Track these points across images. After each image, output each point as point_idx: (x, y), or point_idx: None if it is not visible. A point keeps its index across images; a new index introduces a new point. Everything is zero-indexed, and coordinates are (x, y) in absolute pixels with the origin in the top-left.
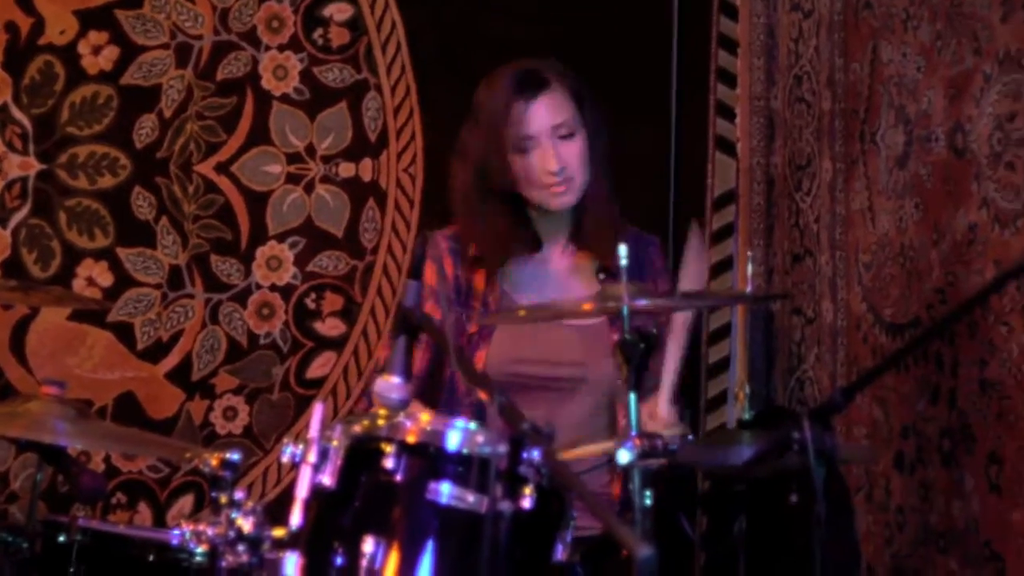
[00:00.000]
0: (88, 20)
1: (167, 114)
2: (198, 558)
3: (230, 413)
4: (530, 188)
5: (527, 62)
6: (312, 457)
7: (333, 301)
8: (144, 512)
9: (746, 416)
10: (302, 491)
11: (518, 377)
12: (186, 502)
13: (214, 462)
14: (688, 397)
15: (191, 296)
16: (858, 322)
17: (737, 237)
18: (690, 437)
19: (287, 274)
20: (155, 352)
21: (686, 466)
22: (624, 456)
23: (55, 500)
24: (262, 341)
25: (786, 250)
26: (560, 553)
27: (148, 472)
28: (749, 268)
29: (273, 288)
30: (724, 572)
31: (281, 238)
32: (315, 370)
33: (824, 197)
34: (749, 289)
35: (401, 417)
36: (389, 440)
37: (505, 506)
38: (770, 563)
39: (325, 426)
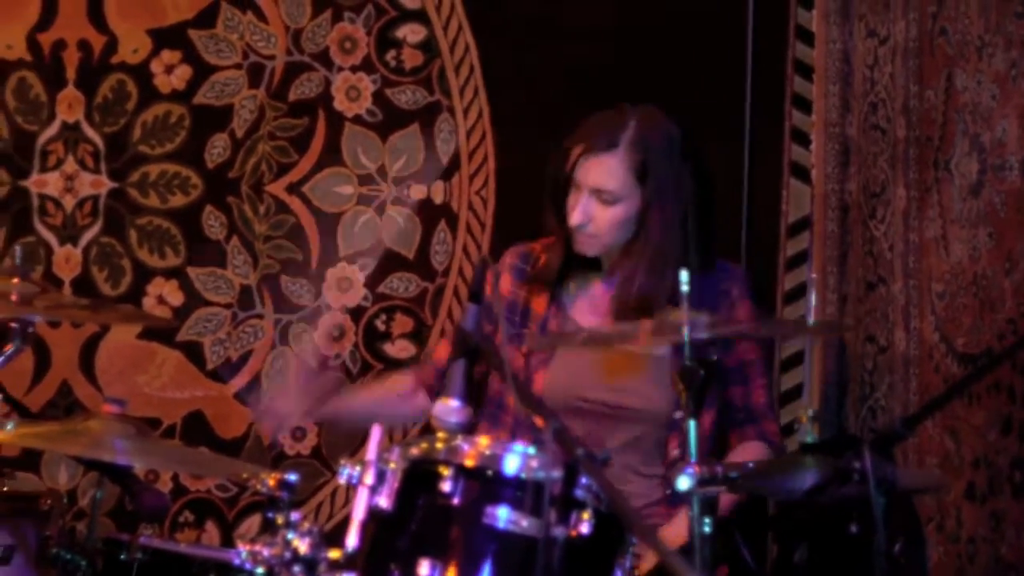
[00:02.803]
0: (161, 39)
1: (239, 134)
2: None
3: (299, 434)
4: (569, 221)
5: (619, 114)
6: (369, 479)
7: (403, 323)
8: (211, 531)
9: (809, 439)
10: (359, 513)
11: (578, 404)
12: (253, 522)
13: (271, 483)
14: None
15: (261, 316)
16: (930, 351)
17: (811, 264)
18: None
19: (358, 295)
20: (225, 371)
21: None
22: (684, 483)
23: (122, 518)
24: (332, 362)
25: (860, 278)
26: None
27: (216, 491)
28: (812, 298)
29: (344, 309)
30: None
31: (352, 259)
32: None
33: (898, 225)
34: (810, 320)
35: (459, 440)
36: (447, 463)
37: (559, 531)
38: None
39: (383, 448)
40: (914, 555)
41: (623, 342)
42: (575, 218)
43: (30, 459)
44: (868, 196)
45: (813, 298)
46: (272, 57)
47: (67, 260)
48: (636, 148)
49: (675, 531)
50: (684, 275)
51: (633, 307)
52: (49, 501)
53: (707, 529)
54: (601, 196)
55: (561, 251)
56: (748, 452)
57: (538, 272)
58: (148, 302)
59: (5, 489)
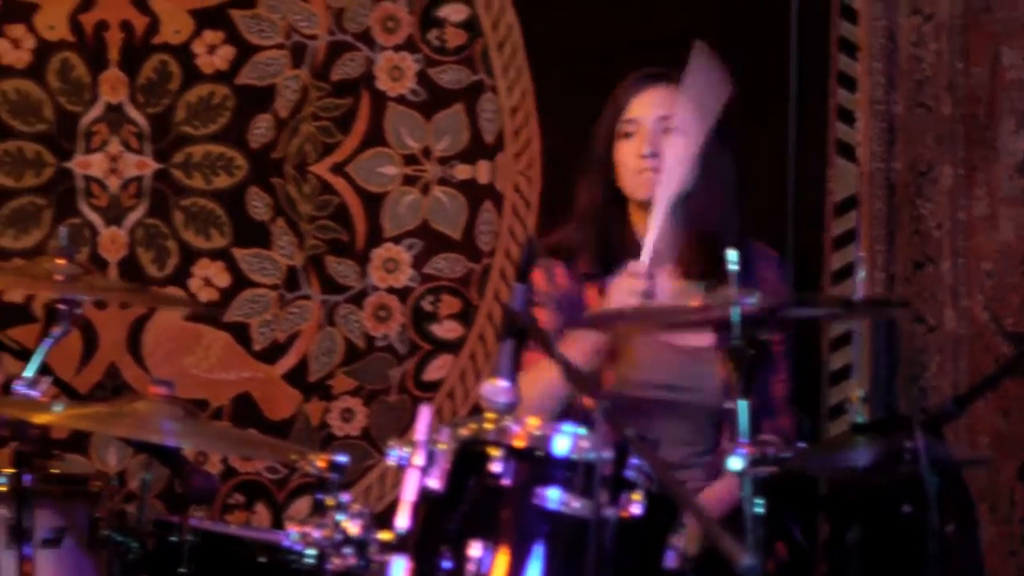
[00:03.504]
0: (203, 19)
1: (282, 114)
2: (308, 560)
3: (347, 415)
4: (624, 175)
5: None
6: (419, 460)
7: (450, 304)
8: (261, 513)
9: (859, 419)
10: (409, 494)
11: (637, 400)
12: (303, 503)
13: (321, 464)
14: (809, 405)
15: (308, 297)
16: (980, 331)
17: (859, 243)
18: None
19: (404, 276)
20: (272, 353)
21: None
22: (735, 463)
23: (172, 500)
24: (379, 343)
25: (907, 257)
26: (671, 560)
27: (266, 473)
28: (860, 274)
29: (390, 290)
30: None
31: (397, 240)
32: (432, 372)
33: (945, 203)
34: (858, 296)
35: (509, 421)
36: (497, 444)
37: (610, 512)
38: (885, 573)
39: (432, 429)
40: (967, 536)
41: (672, 322)
42: (645, 146)
43: (79, 441)
44: (915, 175)
45: (861, 274)
46: (314, 37)
47: (113, 241)
48: (697, 81)
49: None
50: (733, 254)
51: (699, 246)
52: (99, 483)
53: (759, 510)
54: (665, 123)
55: (597, 245)
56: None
57: (583, 267)
58: (194, 283)
59: (55, 471)
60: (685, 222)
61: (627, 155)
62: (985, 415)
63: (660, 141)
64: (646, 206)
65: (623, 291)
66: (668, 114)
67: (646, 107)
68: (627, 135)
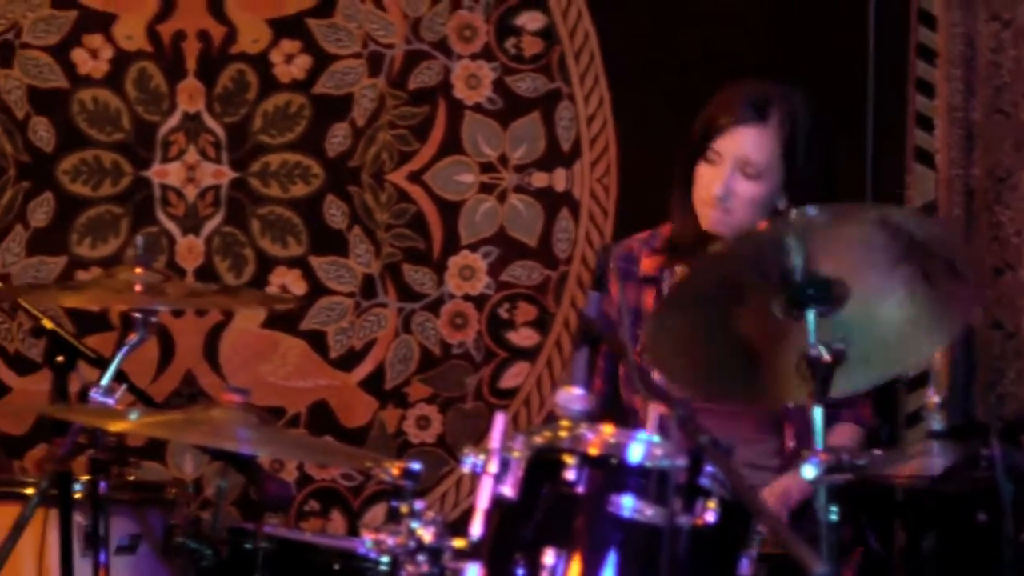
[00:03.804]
0: (280, 29)
1: (359, 123)
2: (382, 567)
3: (423, 422)
4: (696, 196)
5: (764, 86)
6: (493, 468)
7: (526, 311)
8: (337, 520)
9: (936, 426)
10: (483, 502)
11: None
12: (379, 510)
13: (395, 471)
14: (886, 412)
15: (384, 305)
16: None
17: None
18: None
19: (480, 283)
20: (348, 360)
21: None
22: (809, 471)
23: (247, 508)
24: (455, 351)
25: (986, 263)
26: (745, 568)
27: (341, 480)
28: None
29: (466, 298)
30: None
31: (474, 247)
32: (508, 380)
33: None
34: None
35: (583, 429)
36: (571, 452)
37: (684, 520)
38: None
39: (507, 437)
40: None
41: None
42: (717, 188)
43: (156, 449)
44: (994, 181)
45: None
46: (391, 46)
47: (190, 250)
48: (785, 123)
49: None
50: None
51: None
52: (174, 490)
53: (833, 517)
54: (745, 168)
55: (667, 241)
56: (842, 434)
57: (648, 265)
58: (271, 291)
59: (131, 478)
60: None
61: (703, 180)
62: None
63: (736, 181)
64: None
65: None
66: (750, 159)
67: (732, 144)
68: (709, 161)
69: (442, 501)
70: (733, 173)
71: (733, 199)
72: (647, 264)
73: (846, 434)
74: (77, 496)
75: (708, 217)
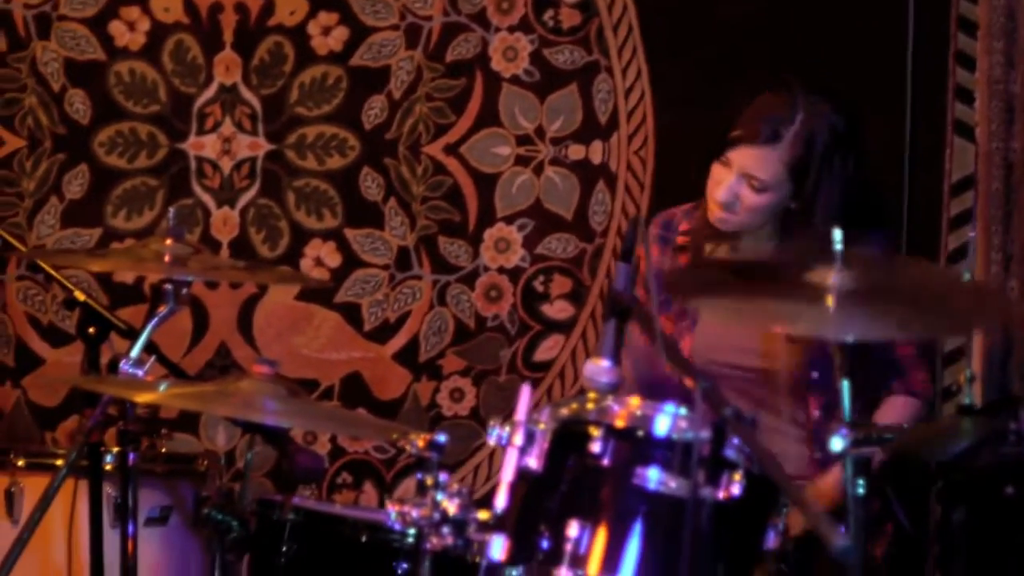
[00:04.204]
0: (318, 1)
1: (396, 95)
2: (410, 539)
3: (457, 395)
4: (708, 192)
5: (787, 103)
6: (519, 440)
7: (562, 284)
8: (369, 493)
9: (967, 401)
10: (508, 474)
11: (723, 370)
12: (411, 483)
13: (421, 443)
14: None
15: (419, 277)
16: None
17: (975, 224)
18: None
19: (515, 256)
20: (382, 333)
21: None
22: (837, 444)
23: (281, 480)
24: (490, 323)
25: None
26: (772, 540)
27: (374, 453)
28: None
29: (501, 270)
30: (944, 563)
31: (509, 220)
32: (543, 353)
33: None
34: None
35: (610, 401)
36: (597, 424)
37: (708, 492)
38: (990, 556)
39: (533, 409)
40: None
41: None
42: (720, 194)
43: (188, 421)
44: None
45: (975, 258)
46: (429, 18)
47: (225, 222)
48: (798, 144)
49: (825, 487)
50: (838, 234)
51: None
52: (206, 462)
53: (860, 491)
54: (751, 182)
55: (705, 215)
56: (895, 408)
57: (682, 239)
58: (306, 263)
59: (163, 450)
60: (779, 234)
61: (714, 179)
62: None
63: (742, 190)
64: None
65: None
66: (756, 176)
67: (740, 160)
68: (723, 163)
69: (475, 474)
70: (739, 183)
71: (738, 205)
72: (687, 227)
73: (901, 408)
74: (108, 468)
75: (713, 213)
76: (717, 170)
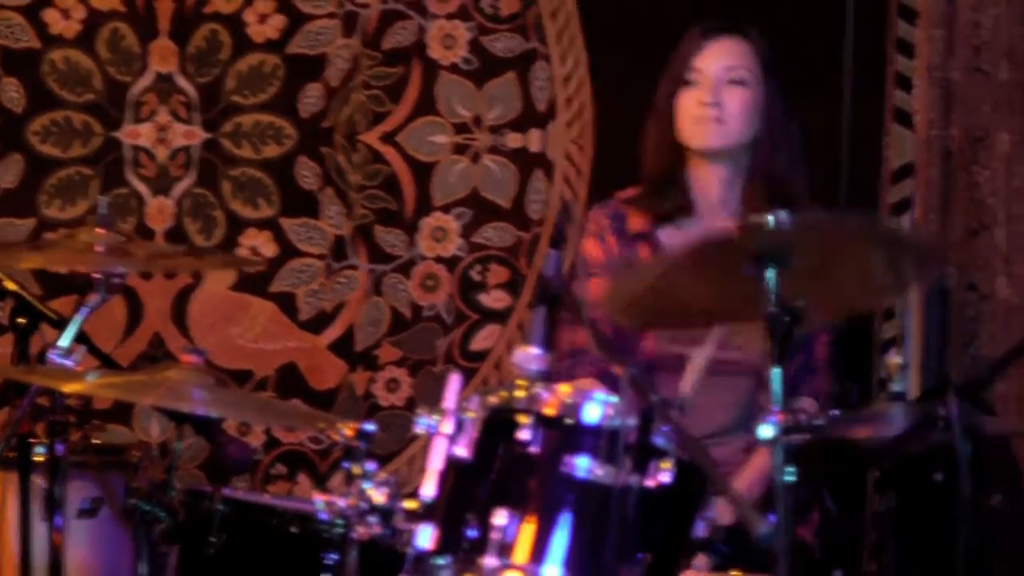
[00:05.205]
0: None
1: (333, 83)
2: (338, 529)
3: (393, 385)
4: (684, 124)
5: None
6: (447, 428)
7: (499, 273)
8: (304, 483)
9: (897, 388)
10: (436, 463)
11: (675, 357)
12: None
13: (349, 433)
14: (859, 374)
15: (355, 267)
16: None
17: (913, 211)
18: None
19: (452, 245)
20: (318, 323)
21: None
22: (767, 431)
23: (214, 471)
24: (426, 313)
25: (962, 224)
26: (701, 530)
27: (308, 443)
28: None
29: (438, 260)
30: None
31: (447, 209)
32: (479, 343)
33: (1000, 170)
34: None
35: (539, 389)
36: (526, 412)
37: (635, 480)
38: (920, 542)
39: (461, 397)
40: (1013, 506)
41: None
42: (707, 96)
43: (122, 412)
44: (971, 141)
45: None
46: (366, 5)
47: (160, 211)
48: (759, 39)
49: (747, 479)
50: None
51: (764, 195)
52: (137, 454)
53: (790, 478)
54: (730, 74)
55: (651, 199)
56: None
57: (636, 224)
58: (241, 253)
59: (94, 441)
60: (749, 171)
61: (689, 103)
62: None
63: (723, 91)
64: (706, 156)
65: (677, 242)
66: (733, 64)
67: (712, 57)
68: (690, 83)
69: (410, 465)
70: (719, 84)
71: (723, 109)
72: (636, 221)
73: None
74: (37, 459)
75: (701, 133)
76: (688, 93)
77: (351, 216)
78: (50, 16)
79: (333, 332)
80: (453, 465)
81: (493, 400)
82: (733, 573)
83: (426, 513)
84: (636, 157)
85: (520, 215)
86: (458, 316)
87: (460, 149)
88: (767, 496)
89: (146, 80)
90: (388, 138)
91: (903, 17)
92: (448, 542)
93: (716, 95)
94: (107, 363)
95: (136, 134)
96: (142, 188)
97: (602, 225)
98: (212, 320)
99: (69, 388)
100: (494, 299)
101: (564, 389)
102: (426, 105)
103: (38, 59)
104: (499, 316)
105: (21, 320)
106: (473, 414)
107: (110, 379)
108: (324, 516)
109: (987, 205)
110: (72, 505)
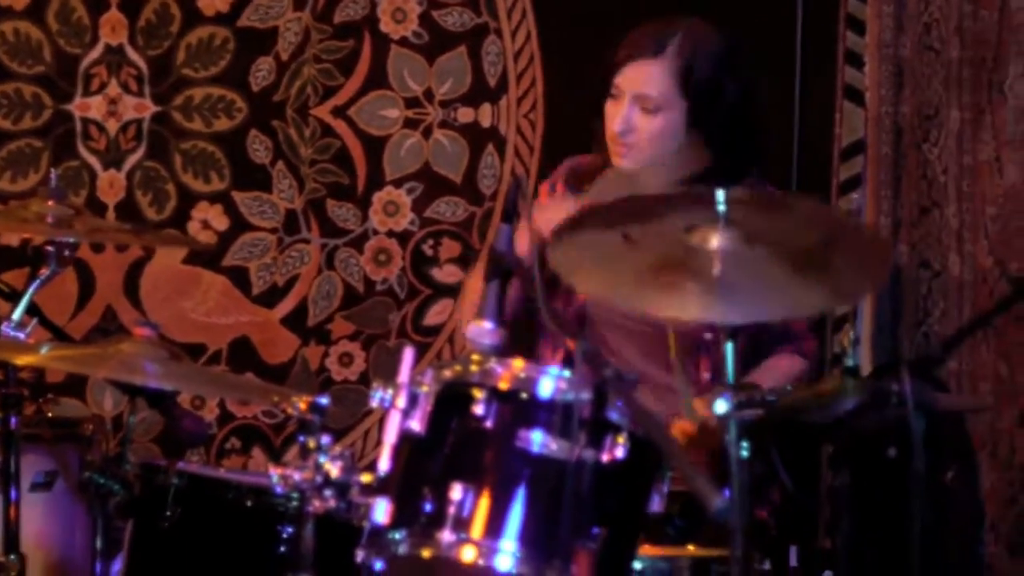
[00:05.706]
0: None
1: (284, 57)
2: (294, 503)
3: (346, 359)
4: (606, 135)
5: (668, 23)
6: (401, 402)
7: (451, 248)
8: (258, 458)
9: (850, 363)
10: (390, 436)
11: (620, 321)
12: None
13: (302, 406)
14: None
15: (307, 241)
16: (985, 276)
17: (864, 188)
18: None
19: (404, 220)
20: (270, 297)
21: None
22: (720, 406)
23: (169, 445)
24: (379, 287)
25: (913, 202)
26: (656, 504)
27: (263, 417)
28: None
29: (390, 234)
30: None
31: (398, 183)
32: (432, 317)
33: (951, 148)
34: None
35: (493, 363)
36: (480, 386)
37: (588, 454)
38: (874, 518)
39: (415, 371)
40: (967, 482)
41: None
42: (616, 124)
43: (76, 385)
44: (922, 119)
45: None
46: None
47: (111, 185)
48: (681, 55)
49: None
50: (720, 194)
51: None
52: (91, 427)
53: (744, 453)
54: (643, 103)
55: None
56: (780, 362)
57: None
58: (193, 226)
59: (48, 415)
60: (686, 160)
61: (608, 117)
62: (987, 361)
63: (636, 117)
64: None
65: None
66: (646, 94)
67: (628, 81)
68: (613, 97)
69: (364, 439)
70: (632, 108)
71: (634, 134)
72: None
73: (786, 362)
74: None
75: (616, 155)
76: (609, 106)
77: (303, 190)
78: None
79: (286, 306)
80: (407, 439)
81: (447, 374)
82: (690, 548)
83: (381, 487)
84: (586, 133)
85: (472, 190)
86: (411, 290)
87: (411, 123)
88: (720, 472)
89: (96, 52)
90: (339, 112)
91: None
92: (404, 516)
93: (626, 122)
94: (59, 336)
95: (87, 107)
96: (93, 161)
97: (555, 177)
98: (165, 293)
99: (22, 360)
100: (446, 274)
101: (518, 363)
102: (377, 79)
103: None
104: (452, 291)
105: None
106: (427, 388)
107: (63, 352)
108: (280, 490)
109: (938, 182)
110: (26, 478)
